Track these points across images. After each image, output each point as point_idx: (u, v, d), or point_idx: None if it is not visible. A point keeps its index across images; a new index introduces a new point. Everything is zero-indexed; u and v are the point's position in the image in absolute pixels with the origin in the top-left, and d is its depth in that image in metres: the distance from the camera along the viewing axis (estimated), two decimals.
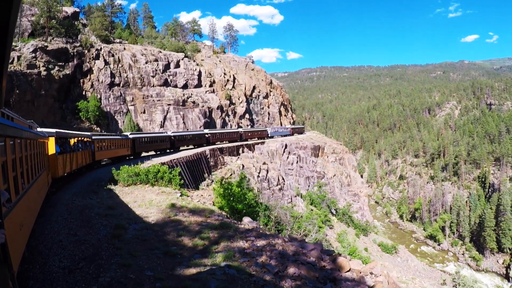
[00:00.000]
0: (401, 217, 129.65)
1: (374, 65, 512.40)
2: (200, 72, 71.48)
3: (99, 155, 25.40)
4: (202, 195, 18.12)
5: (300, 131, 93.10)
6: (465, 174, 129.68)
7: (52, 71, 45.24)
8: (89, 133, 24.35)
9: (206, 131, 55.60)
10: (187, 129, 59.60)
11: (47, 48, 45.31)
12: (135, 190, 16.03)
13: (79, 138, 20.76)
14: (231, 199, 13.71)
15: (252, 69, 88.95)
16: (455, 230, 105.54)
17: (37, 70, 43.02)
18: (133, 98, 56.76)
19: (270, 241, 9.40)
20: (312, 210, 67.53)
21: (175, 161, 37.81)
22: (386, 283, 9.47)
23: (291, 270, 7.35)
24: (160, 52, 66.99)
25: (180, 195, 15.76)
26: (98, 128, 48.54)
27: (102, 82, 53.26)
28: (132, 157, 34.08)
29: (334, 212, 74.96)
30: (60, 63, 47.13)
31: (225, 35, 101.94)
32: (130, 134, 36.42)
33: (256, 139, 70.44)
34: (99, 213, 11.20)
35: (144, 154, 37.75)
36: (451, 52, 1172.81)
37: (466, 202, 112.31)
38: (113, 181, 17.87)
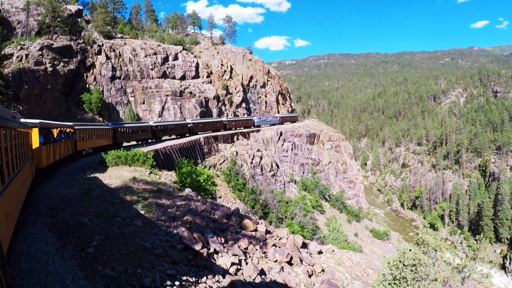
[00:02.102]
0: (402, 205, 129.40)
1: (382, 52, 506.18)
2: (197, 64, 74.84)
3: (80, 145, 25.40)
4: (171, 174, 22.30)
5: (293, 120, 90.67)
6: (466, 162, 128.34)
7: (57, 67, 49.52)
8: (71, 123, 24.20)
9: (189, 120, 55.29)
10: (184, 118, 63.40)
11: (53, 46, 49.44)
12: (115, 169, 20.35)
13: (62, 129, 20.90)
14: (182, 175, 17.86)
15: (250, 60, 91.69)
16: (454, 219, 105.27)
17: (43, 67, 47.26)
18: (133, 90, 61.09)
19: (189, 202, 13.40)
20: (304, 195, 70.46)
21: (168, 148, 40.92)
22: (289, 245, 13.02)
23: (186, 217, 11.33)
24: (159, 45, 70.62)
25: (149, 173, 20.05)
26: (100, 118, 53.20)
27: (104, 75, 57.61)
28: (114, 147, 33.08)
29: (327, 198, 77.70)
30: (65, 59, 51.34)
31: (225, 26, 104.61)
32: (112, 124, 35.84)
33: (242, 128, 69.79)
34: (80, 182, 15.57)
35: (125, 144, 37.53)
36: (460, 38, 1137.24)
37: (466, 190, 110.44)
38: (102, 163, 22.24)
